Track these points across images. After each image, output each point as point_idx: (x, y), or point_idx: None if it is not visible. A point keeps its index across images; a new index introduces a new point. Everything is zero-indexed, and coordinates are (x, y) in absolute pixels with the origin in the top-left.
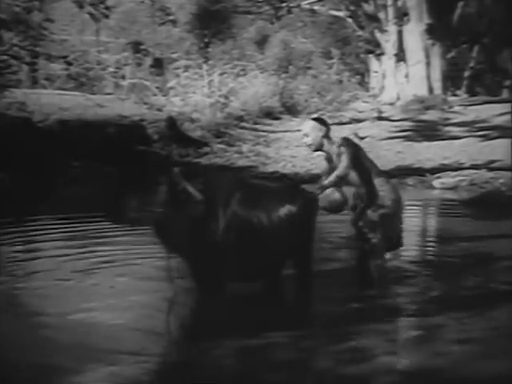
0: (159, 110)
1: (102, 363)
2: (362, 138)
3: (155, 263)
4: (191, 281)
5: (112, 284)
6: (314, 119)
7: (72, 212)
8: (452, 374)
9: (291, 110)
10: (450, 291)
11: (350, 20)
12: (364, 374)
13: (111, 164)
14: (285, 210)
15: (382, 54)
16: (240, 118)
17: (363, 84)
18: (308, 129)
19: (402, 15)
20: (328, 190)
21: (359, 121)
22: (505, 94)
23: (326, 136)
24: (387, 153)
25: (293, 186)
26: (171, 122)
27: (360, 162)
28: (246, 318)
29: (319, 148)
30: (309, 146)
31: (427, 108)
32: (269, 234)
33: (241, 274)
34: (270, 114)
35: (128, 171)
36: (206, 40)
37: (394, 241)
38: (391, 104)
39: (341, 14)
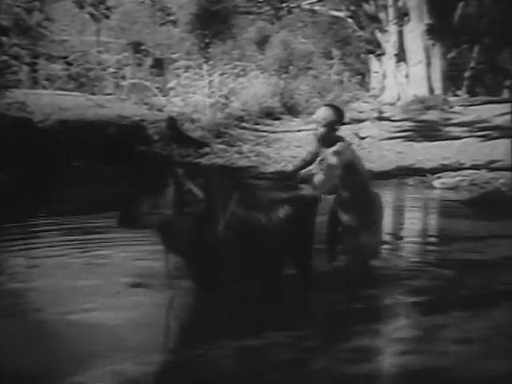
0: (159, 110)
1: (103, 363)
2: (363, 138)
3: (155, 263)
4: (191, 280)
5: (112, 284)
6: (333, 107)
7: (72, 212)
8: (452, 373)
9: (292, 111)
10: (450, 291)
11: (350, 20)
12: (364, 374)
13: (111, 164)
14: (283, 210)
15: (383, 54)
16: (240, 119)
17: (364, 84)
18: (325, 115)
19: (402, 15)
20: (319, 176)
21: (360, 121)
22: (505, 94)
23: (336, 130)
24: (388, 153)
25: (291, 187)
26: (172, 123)
27: (353, 172)
28: (245, 317)
29: (325, 142)
30: (316, 134)
31: (428, 108)
32: (268, 234)
33: (240, 273)
34: (270, 115)
35: (133, 174)
36: (207, 40)
37: (372, 248)
38: (392, 104)
39: (341, 14)
